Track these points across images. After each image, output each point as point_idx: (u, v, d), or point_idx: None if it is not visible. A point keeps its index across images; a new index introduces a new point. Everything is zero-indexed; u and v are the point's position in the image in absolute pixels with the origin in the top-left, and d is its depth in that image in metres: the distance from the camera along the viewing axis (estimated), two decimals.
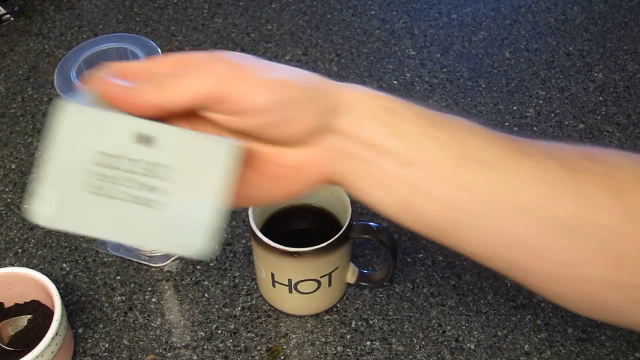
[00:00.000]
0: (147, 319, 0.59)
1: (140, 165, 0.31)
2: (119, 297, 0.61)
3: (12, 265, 0.63)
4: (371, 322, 0.59)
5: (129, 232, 0.32)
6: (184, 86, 0.32)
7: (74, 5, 0.94)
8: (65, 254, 0.64)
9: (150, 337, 0.58)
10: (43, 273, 0.54)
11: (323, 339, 0.58)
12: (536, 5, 0.93)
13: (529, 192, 0.33)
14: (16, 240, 0.65)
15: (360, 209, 0.67)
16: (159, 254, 0.63)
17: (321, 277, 0.55)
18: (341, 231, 0.54)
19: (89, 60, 0.52)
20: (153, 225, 0.32)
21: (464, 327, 0.58)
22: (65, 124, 0.31)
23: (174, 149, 0.32)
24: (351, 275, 0.59)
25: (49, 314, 0.55)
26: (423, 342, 0.57)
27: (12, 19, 0.91)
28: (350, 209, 0.55)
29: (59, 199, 0.31)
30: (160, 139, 0.32)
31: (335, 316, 0.59)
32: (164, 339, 0.58)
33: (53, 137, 0.31)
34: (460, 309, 0.60)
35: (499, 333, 0.58)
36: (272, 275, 0.56)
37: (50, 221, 0.31)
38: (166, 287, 0.61)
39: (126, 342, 0.58)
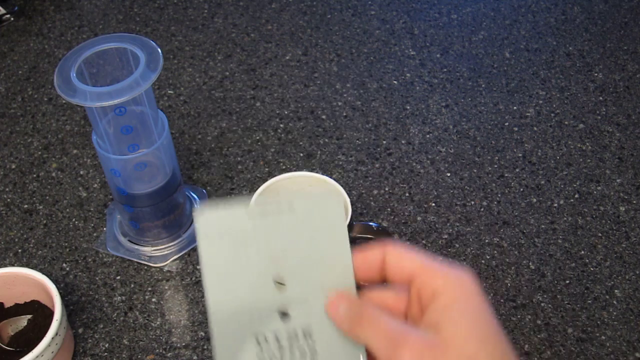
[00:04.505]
0: (147, 319, 0.59)
1: (289, 335, 0.33)
2: (119, 297, 0.61)
3: (12, 265, 0.63)
4: None
5: None
6: (369, 335, 0.31)
7: (74, 5, 0.94)
8: (65, 254, 0.64)
9: (150, 337, 0.58)
10: (43, 273, 0.54)
11: None
12: (536, 5, 0.93)
13: None
14: (16, 240, 0.65)
15: (361, 209, 0.67)
16: (159, 254, 0.63)
17: None
18: None
19: (89, 60, 0.52)
20: None
21: None
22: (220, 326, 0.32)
23: (307, 312, 0.33)
24: None
25: (49, 314, 0.55)
26: None
27: (12, 19, 0.91)
28: (350, 209, 0.55)
29: None
30: (293, 312, 0.33)
31: None
32: (164, 339, 0.58)
33: (216, 340, 0.32)
34: None
35: None
36: None
37: None
38: (166, 287, 0.61)
39: (126, 342, 0.58)
